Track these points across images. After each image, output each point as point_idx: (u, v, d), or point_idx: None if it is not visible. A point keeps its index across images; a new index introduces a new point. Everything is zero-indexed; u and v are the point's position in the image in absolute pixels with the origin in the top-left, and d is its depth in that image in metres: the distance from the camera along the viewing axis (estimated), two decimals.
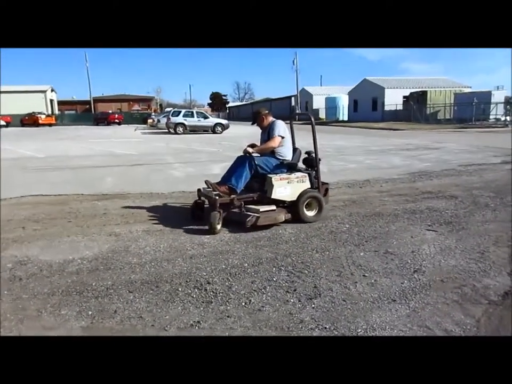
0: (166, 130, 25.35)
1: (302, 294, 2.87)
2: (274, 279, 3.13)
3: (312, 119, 4.95)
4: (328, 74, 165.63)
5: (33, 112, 39.95)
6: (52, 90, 52.83)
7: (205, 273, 3.23)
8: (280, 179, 4.52)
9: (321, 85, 63.99)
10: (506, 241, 3.88)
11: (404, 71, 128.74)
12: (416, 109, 30.71)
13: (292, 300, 2.79)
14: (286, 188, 4.53)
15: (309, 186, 4.65)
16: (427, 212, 5.03)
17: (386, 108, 35.54)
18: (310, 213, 4.62)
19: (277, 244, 3.92)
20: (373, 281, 3.08)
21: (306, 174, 4.68)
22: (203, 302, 2.76)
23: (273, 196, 4.47)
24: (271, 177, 4.49)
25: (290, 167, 4.76)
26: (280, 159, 4.76)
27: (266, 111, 5.00)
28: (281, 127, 4.76)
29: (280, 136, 4.73)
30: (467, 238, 4.02)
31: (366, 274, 3.19)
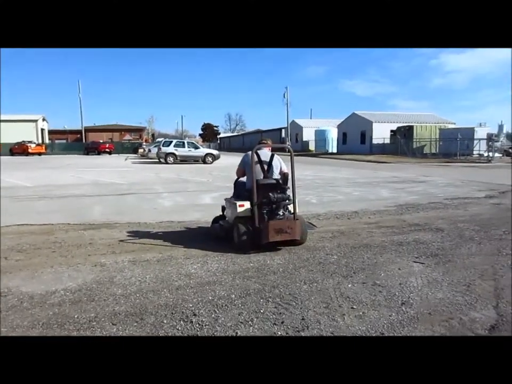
0: (157, 160, 25.43)
1: (289, 327, 2.83)
2: (261, 311, 3.09)
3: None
4: (318, 108, 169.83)
5: (23, 141, 39.80)
6: (44, 120, 52.99)
7: (191, 305, 3.17)
8: (226, 201, 5.35)
9: (311, 118, 65.32)
10: (491, 275, 3.91)
11: (392, 107, 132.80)
12: (403, 143, 31.43)
13: (279, 333, 2.75)
14: (227, 210, 5.26)
15: (238, 214, 4.77)
16: (414, 244, 5.07)
17: (374, 141, 36.33)
18: (236, 237, 4.68)
19: (265, 274, 3.89)
20: (361, 313, 3.06)
21: (243, 203, 4.78)
22: (188, 335, 2.70)
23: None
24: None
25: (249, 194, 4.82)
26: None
27: (264, 141, 5.20)
28: (241, 161, 5.17)
29: (239, 167, 5.19)
30: (453, 271, 4.05)
31: (354, 307, 3.17)
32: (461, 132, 28.18)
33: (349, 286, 3.62)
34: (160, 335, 2.69)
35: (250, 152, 4.84)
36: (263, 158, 4.91)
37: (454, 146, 27.38)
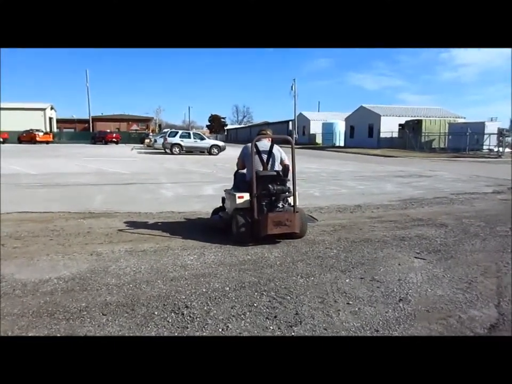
0: (163, 151, 25.43)
1: (282, 321, 2.77)
2: (255, 304, 3.03)
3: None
4: (325, 101, 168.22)
5: (30, 129, 40.03)
6: (52, 109, 53.16)
7: (184, 297, 3.12)
8: (226, 192, 5.27)
9: (318, 111, 64.85)
10: (494, 272, 3.81)
11: (401, 101, 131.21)
12: (411, 137, 31.07)
13: (271, 327, 2.69)
14: (227, 201, 5.16)
15: (237, 206, 4.69)
16: (416, 239, 4.97)
17: (382, 135, 35.97)
18: (235, 228, 4.61)
19: (261, 267, 3.83)
20: (356, 309, 2.98)
21: (242, 194, 4.70)
22: (178, 327, 2.65)
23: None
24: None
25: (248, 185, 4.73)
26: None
27: (263, 132, 5.06)
28: (240, 152, 5.09)
29: (238, 158, 5.10)
30: (455, 267, 3.95)
31: (350, 302, 3.10)
32: (471, 127, 27.76)
33: (347, 281, 3.54)
34: (152, 331, 2.65)
35: (250, 144, 4.75)
36: (263, 149, 4.83)
37: (464, 141, 26.97)
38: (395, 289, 3.37)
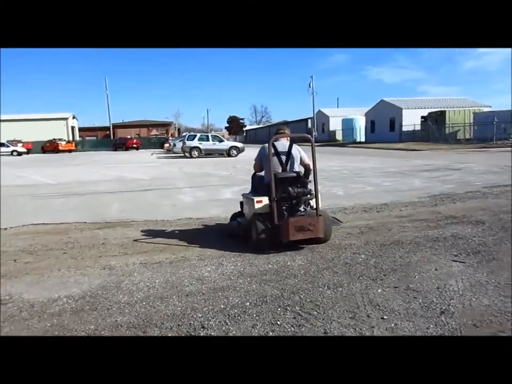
0: (182, 154, 25.43)
1: None
2: (278, 322, 2.73)
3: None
4: (345, 97, 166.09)
5: (53, 139, 40.94)
6: (74, 118, 54.28)
7: (200, 315, 2.85)
8: (243, 196, 5.02)
9: (338, 107, 63.95)
10: None
11: (422, 94, 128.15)
12: (435, 129, 30.09)
13: None
14: (245, 206, 4.82)
15: (256, 211, 4.36)
16: (452, 239, 4.57)
17: (404, 129, 34.99)
18: (254, 235, 4.30)
19: (284, 278, 3.53)
20: (393, 325, 2.65)
21: (261, 199, 4.36)
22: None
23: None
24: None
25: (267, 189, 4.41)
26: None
27: (281, 131, 4.72)
28: (257, 153, 4.76)
29: (256, 160, 4.79)
30: (499, 271, 3.55)
31: (385, 317, 2.76)
32: (497, 115, 26.63)
33: (379, 291, 3.20)
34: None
35: (267, 144, 4.44)
36: (281, 150, 4.52)
37: (490, 130, 25.86)
38: (434, 300, 3.01)
